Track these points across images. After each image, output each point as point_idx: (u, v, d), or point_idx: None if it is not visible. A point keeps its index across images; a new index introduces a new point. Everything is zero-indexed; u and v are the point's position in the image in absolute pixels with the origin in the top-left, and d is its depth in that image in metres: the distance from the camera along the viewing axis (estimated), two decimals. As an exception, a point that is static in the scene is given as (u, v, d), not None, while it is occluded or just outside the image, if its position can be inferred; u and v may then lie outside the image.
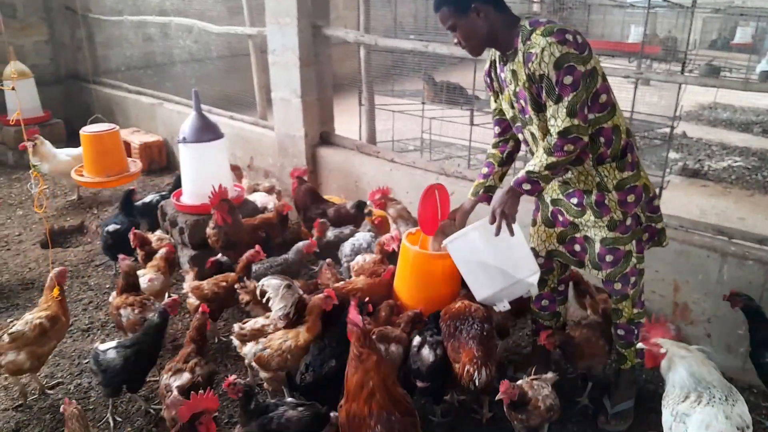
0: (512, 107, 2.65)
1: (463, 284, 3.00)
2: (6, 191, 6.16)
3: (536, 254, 2.90)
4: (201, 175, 4.22)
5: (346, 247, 3.90)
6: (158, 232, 4.29)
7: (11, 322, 3.25)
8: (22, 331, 2.98)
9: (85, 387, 3.28)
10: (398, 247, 3.40)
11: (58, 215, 5.54)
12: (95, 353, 2.91)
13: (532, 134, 2.63)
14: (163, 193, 4.94)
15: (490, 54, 2.71)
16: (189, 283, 3.55)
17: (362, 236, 3.96)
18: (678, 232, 3.46)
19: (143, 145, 6.62)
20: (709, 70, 10.70)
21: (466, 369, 2.63)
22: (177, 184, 4.67)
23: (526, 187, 2.51)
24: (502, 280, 2.69)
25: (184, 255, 4.25)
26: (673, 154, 7.32)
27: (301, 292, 3.16)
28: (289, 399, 2.60)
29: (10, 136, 6.79)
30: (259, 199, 4.75)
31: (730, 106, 10.07)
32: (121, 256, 3.62)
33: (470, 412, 2.98)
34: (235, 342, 3.04)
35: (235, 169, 5.01)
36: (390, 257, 3.53)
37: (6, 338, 2.97)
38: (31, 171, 5.09)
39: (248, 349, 2.92)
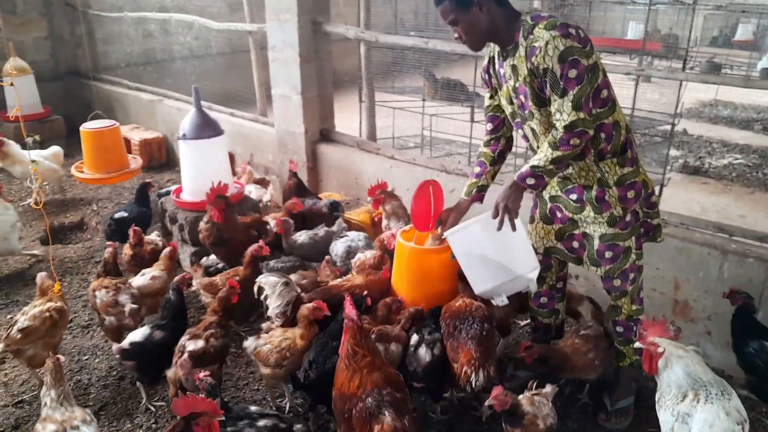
0: (511, 103, 2.64)
1: (461, 278, 2.99)
2: (6, 188, 6.14)
3: (534, 251, 2.90)
4: (201, 172, 4.22)
5: (339, 248, 3.84)
6: (153, 235, 4.17)
7: (11, 318, 3.25)
8: (33, 325, 3.03)
9: (85, 383, 3.28)
10: None
11: (58, 212, 5.54)
12: (122, 349, 2.93)
13: (533, 130, 2.62)
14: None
15: (489, 50, 2.70)
16: (199, 280, 3.55)
17: (356, 236, 3.92)
18: (678, 230, 3.45)
19: (143, 142, 6.61)
20: (710, 68, 10.67)
21: (463, 370, 2.63)
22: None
23: (530, 181, 2.50)
24: (502, 275, 2.68)
25: (185, 252, 4.25)
26: (673, 152, 7.31)
27: (298, 290, 3.15)
28: (254, 408, 2.56)
29: (10, 133, 6.77)
30: (253, 191, 4.77)
31: (730, 104, 10.06)
32: (108, 242, 3.72)
33: (470, 409, 2.98)
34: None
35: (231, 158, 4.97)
36: (391, 254, 3.53)
37: (18, 334, 3.00)
38: (30, 167, 5.11)
39: (249, 343, 2.93)
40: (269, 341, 2.88)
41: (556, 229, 2.84)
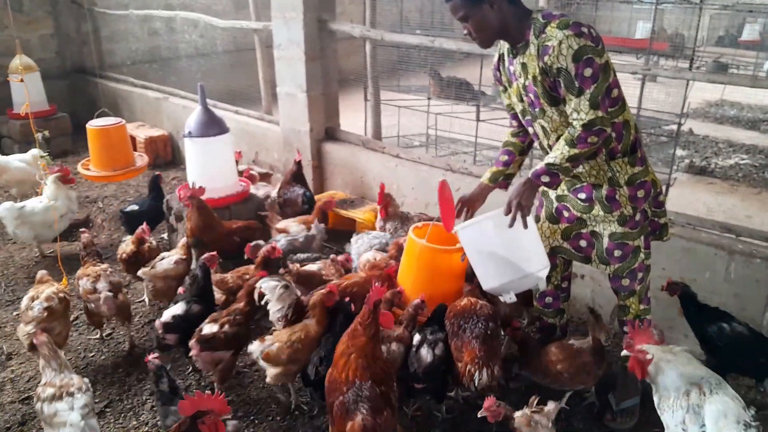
0: (521, 101, 2.64)
1: (467, 279, 2.98)
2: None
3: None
4: (207, 169, 4.22)
5: (362, 245, 3.83)
6: (151, 238, 4.10)
7: (17, 315, 3.26)
8: (52, 306, 3.13)
9: (91, 380, 3.25)
10: None
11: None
12: (165, 323, 3.03)
13: (543, 128, 2.62)
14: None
15: (499, 47, 2.69)
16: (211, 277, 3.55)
17: (380, 234, 3.94)
18: (685, 230, 3.44)
19: (148, 140, 6.63)
20: (717, 67, 10.63)
21: (467, 369, 2.62)
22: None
23: (545, 179, 2.48)
24: (512, 272, 2.67)
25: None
26: (680, 152, 7.27)
27: (298, 293, 3.15)
28: None
29: (16, 130, 6.81)
30: (260, 188, 4.80)
31: (737, 104, 10.00)
32: (82, 229, 3.93)
33: (475, 408, 2.96)
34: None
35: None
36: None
37: (44, 312, 3.09)
38: (39, 162, 5.13)
39: (254, 348, 2.87)
40: (277, 340, 2.87)
41: (563, 229, 2.83)
